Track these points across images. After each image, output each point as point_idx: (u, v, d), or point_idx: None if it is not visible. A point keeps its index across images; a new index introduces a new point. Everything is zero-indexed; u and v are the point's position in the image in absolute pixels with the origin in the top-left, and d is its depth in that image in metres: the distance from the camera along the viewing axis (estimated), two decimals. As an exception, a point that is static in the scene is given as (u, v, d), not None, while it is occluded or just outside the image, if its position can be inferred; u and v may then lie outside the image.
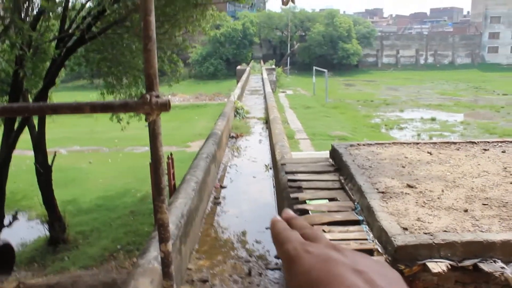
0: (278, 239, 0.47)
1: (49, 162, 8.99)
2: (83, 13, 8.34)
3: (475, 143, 6.71)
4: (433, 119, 23.94)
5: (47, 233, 9.33)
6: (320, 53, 54.08)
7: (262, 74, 36.71)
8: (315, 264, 0.41)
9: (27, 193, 12.15)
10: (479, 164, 5.55)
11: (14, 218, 8.43)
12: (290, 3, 6.77)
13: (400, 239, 3.46)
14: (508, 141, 6.75)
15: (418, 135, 20.08)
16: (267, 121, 16.24)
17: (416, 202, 4.27)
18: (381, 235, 3.70)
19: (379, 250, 3.65)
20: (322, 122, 21.49)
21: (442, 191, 4.58)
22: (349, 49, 53.58)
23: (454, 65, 60.81)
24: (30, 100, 8.38)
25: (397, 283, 0.42)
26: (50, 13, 7.58)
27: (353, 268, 0.40)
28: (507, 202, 4.23)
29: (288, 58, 54.86)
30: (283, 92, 36.32)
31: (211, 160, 9.12)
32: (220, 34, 51.15)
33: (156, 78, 1.88)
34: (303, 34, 58.21)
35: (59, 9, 7.67)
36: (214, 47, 52.57)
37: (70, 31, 8.01)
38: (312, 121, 21.42)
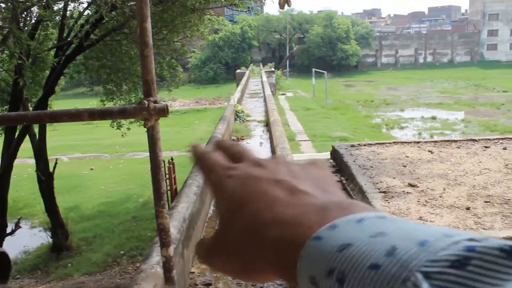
0: (201, 168, 0.43)
1: (51, 169, 9.01)
2: (81, 21, 8.36)
3: (476, 140, 6.70)
4: (433, 118, 23.93)
5: (50, 240, 9.34)
6: (319, 54, 54.16)
7: (261, 77, 36.73)
8: (235, 186, 0.38)
9: (29, 201, 12.16)
10: (480, 162, 5.54)
11: (17, 226, 8.42)
12: (287, 6, 6.79)
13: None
14: (509, 138, 6.74)
15: (419, 134, 20.07)
16: (267, 124, 16.24)
17: (418, 201, 4.27)
18: (384, 235, 3.70)
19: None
20: (323, 124, 21.50)
21: (444, 189, 4.58)
22: (348, 50, 53.64)
23: (453, 64, 60.82)
24: (31, 108, 8.40)
25: (323, 183, 0.39)
26: (48, 22, 7.61)
27: (274, 179, 0.38)
28: (509, 199, 4.22)
29: (287, 61, 54.95)
30: (283, 94, 36.38)
31: (212, 164, 9.10)
32: (218, 39, 51.27)
33: (153, 84, 1.89)
34: (302, 36, 58.32)
35: (57, 18, 7.69)
36: (213, 52, 52.72)
37: (69, 39, 8.03)
38: (312, 122, 21.42)
